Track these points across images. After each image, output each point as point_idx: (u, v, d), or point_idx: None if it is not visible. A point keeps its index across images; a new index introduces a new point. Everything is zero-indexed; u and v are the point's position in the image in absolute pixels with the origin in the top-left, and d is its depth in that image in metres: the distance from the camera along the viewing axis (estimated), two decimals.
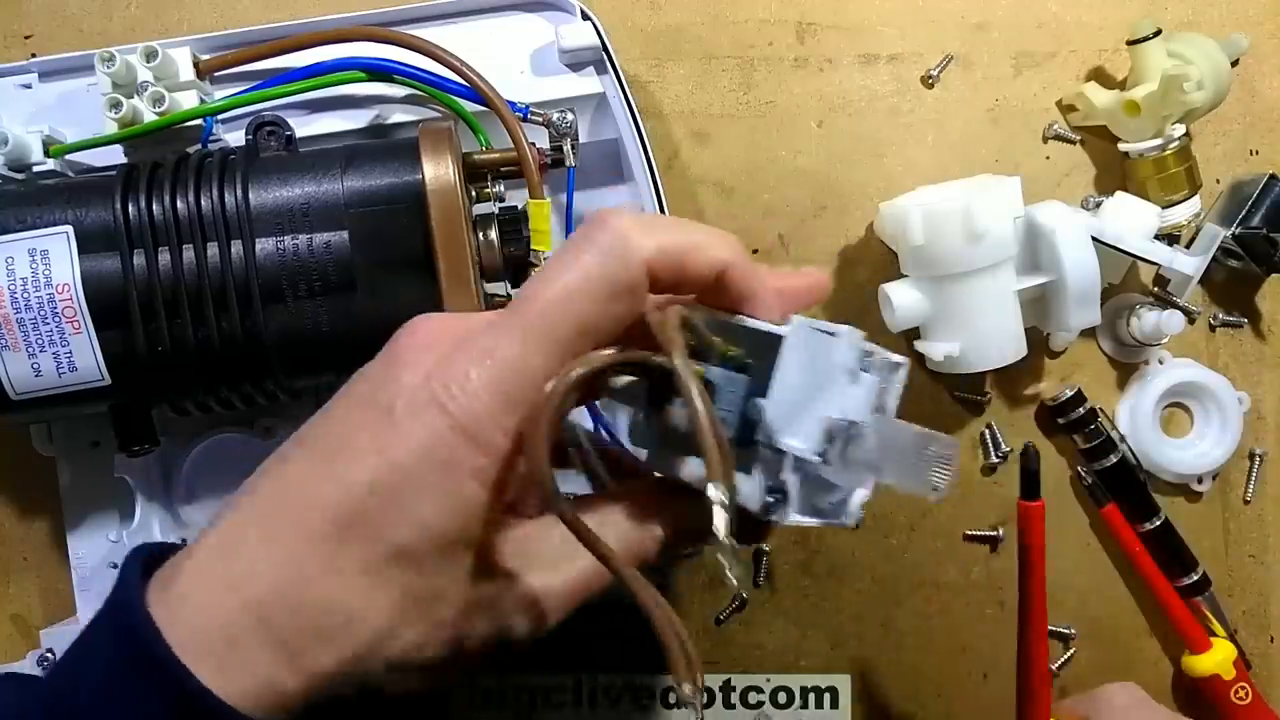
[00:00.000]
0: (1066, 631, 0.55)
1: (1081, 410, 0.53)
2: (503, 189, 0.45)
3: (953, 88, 0.56)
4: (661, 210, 0.47)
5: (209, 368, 0.41)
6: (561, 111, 0.45)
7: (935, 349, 0.50)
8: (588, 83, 0.48)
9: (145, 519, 0.49)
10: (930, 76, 0.55)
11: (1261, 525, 0.56)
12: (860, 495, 0.33)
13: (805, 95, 0.55)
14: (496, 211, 0.44)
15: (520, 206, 0.44)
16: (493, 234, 0.43)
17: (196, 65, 0.45)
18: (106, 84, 0.44)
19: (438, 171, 0.41)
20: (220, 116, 0.46)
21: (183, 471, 0.50)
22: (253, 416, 0.49)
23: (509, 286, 0.45)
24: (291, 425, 0.48)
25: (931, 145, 0.55)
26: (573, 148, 0.45)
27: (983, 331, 0.49)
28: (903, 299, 0.50)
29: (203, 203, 0.40)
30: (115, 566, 0.47)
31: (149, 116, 0.44)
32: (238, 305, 0.40)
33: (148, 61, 0.44)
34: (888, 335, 0.53)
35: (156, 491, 0.49)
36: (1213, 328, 0.56)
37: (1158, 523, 0.53)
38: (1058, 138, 0.56)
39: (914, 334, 0.52)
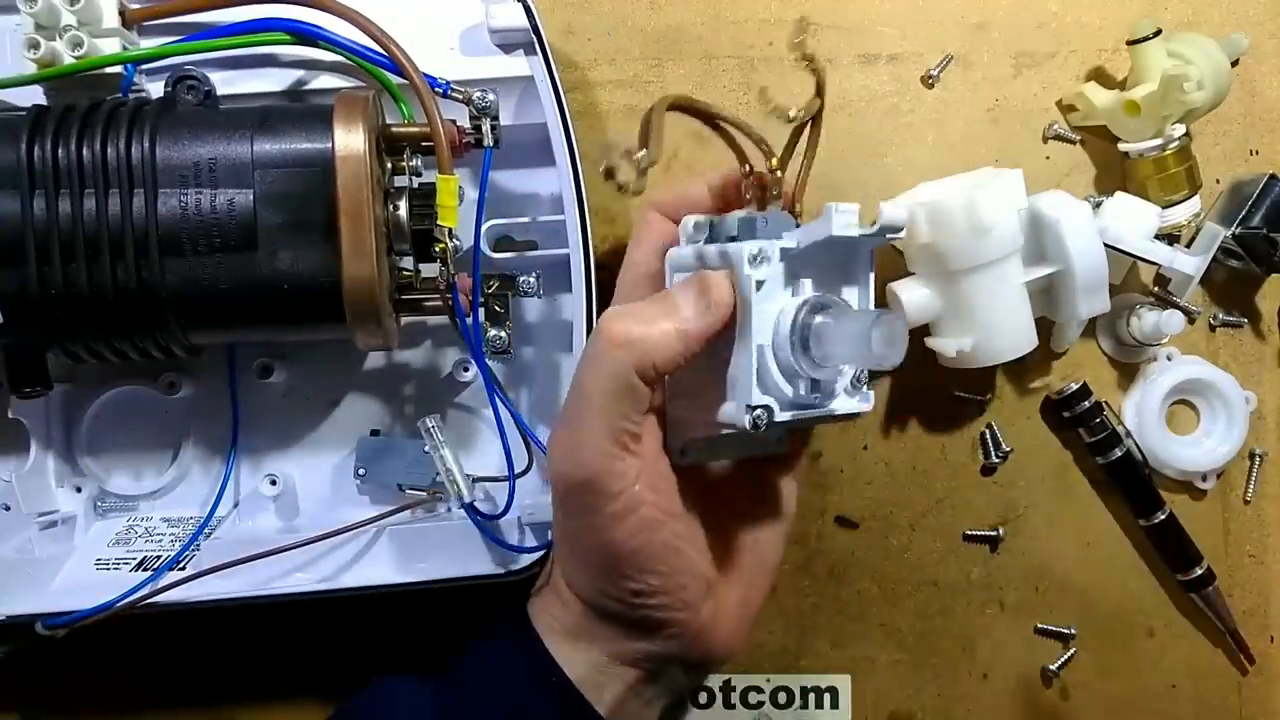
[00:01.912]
0: (1066, 632, 0.55)
1: (1087, 404, 0.53)
2: (419, 163, 0.45)
3: (953, 88, 0.56)
4: (579, 197, 0.46)
5: (102, 315, 0.41)
6: (483, 91, 0.44)
7: (947, 345, 0.50)
8: (518, 64, 0.47)
9: (40, 463, 0.49)
10: (930, 76, 0.55)
11: (1261, 525, 0.56)
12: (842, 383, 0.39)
13: (805, 95, 0.55)
14: (413, 185, 0.44)
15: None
16: (402, 207, 0.43)
17: (123, 13, 0.45)
18: (29, 24, 0.43)
19: (348, 140, 0.41)
20: (144, 67, 0.46)
21: (85, 421, 0.50)
22: (158, 371, 0.50)
23: (415, 261, 0.45)
24: (195, 382, 0.50)
25: (931, 145, 0.55)
26: (492, 128, 0.44)
27: (994, 325, 0.49)
28: (911, 297, 0.49)
29: (108, 150, 0.40)
30: (7, 509, 0.48)
31: (68, 59, 0.43)
32: (134, 256, 0.40)
33: (71, 4, 0.43)
34: None
35: (56, 437, 0.50)
36: (1213, 328, 0.56)
37: (1162, 517, 0.54)
38: (1058, 138, 0.56)
39: (924, 331, 0.52)
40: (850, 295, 0.40)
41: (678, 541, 0.39)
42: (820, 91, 0.39)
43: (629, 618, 0.39)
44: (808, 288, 0.38)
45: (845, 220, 0.37)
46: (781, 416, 0.37)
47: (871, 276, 0.40)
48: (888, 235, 0.37)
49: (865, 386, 0.39)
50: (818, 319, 0.37)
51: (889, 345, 0.35)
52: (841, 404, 0.39)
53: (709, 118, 0.40)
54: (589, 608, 0.40)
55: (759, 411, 0.37)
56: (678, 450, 0.40)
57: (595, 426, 0.37)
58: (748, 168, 0.40)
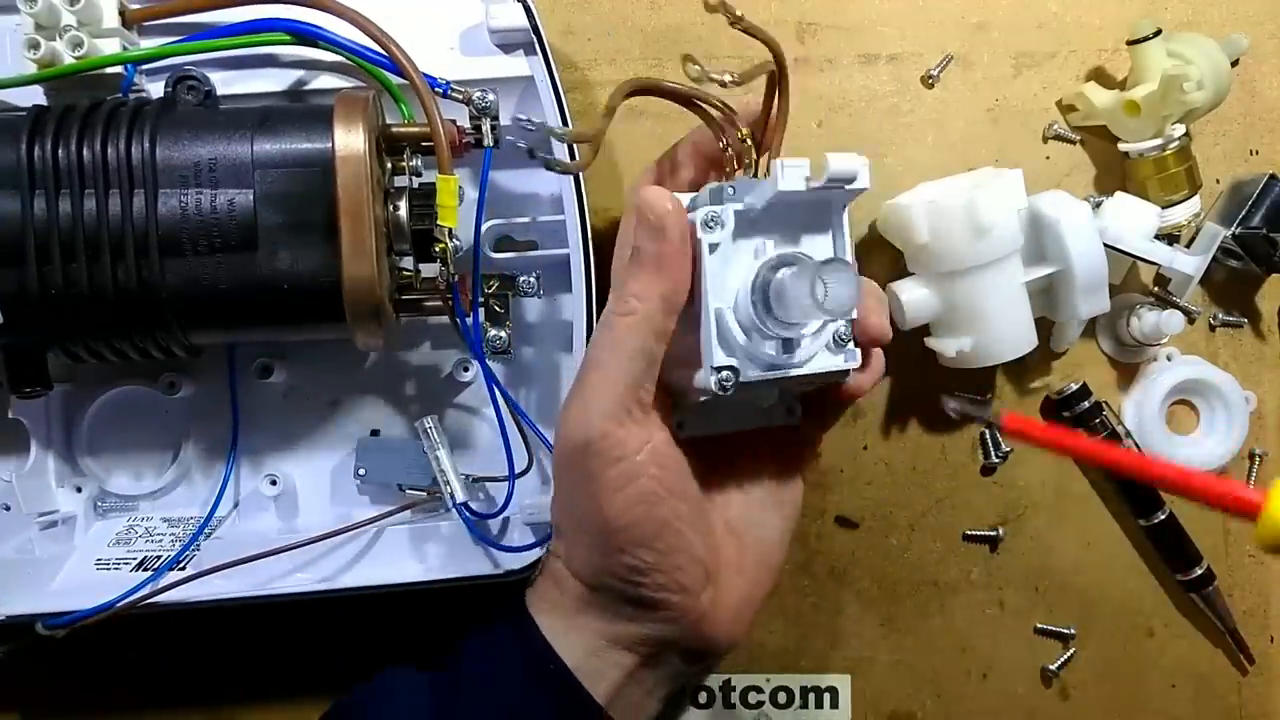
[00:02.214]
0: (1066, 632, 0.55)
1: (1087, 404, 0.53)
2: (419, 163, 0.45)
3: (953, 88, 0.56)
4: (579, 196, 0.46)
5: (102, 315, 0.41)
6: (483, 91, 0.44)
7: (947, 345, 0.50)
8: (517, 64, 0.47)
9: (40, 463, 0.49)
10: (930, 76, 0.55)
11: None
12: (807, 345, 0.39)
13: (805, 95, 0.55)
14: (413, 185, 0.44)
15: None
16: (402, 207, 0.43)
17: (123, 13, 0.45)
18: (29, 24, 0.43)
19: (348, 140, 0.41)
20: (144, 67, 0.46)
21: (85, 421, 0.50)
22: (158, 371, 0.50)
23: (415, 261, 0.45)
24: (195, 382, 0.50)
25: (931, 145, 0.55)
26: (492, 128, 0.44)
27: (994, 326, 0.49)
28: (911, 297, 0.50)
29: (108, 151, 0.40)
30: (7, 509, 0.48)
31: (68, 59, 0.43)
32: (135, 256, 0.40)
33: (71, 5, 0.43)
34: (898, 334, 0.53)
35: (56, 437, 0.50)
36: (1213, 328, 0.56)
37: (1162, 517, 0.54)
38: (1058, 138, 0.56)
39: (924, 331, 0.52)
40: (821, 250, 0.39)
41: (678, 522, 0.38)
42: (775, 55, 0.40)
43: (626, 596, 0.39)
44: (770, 248, 0.38)
45: (793, 175, 0.36)
46: (749, 377, 0.37)
47: (846, 231, 0.40)
48: (846, 188, 0.37)
49: (850, 343, 0.39)
50: (776, 275, 0.37)
51: (836, 292, 0.34)
52: (821, 362, 0.39)
53: (675, 96, 0.41)
54: (587, 588, 0.40)
55: (724, 374, 0.37)
56: (676, 422, 0.40)
57: (606, 390, 0.37)
58: (723, 141, 0.40)
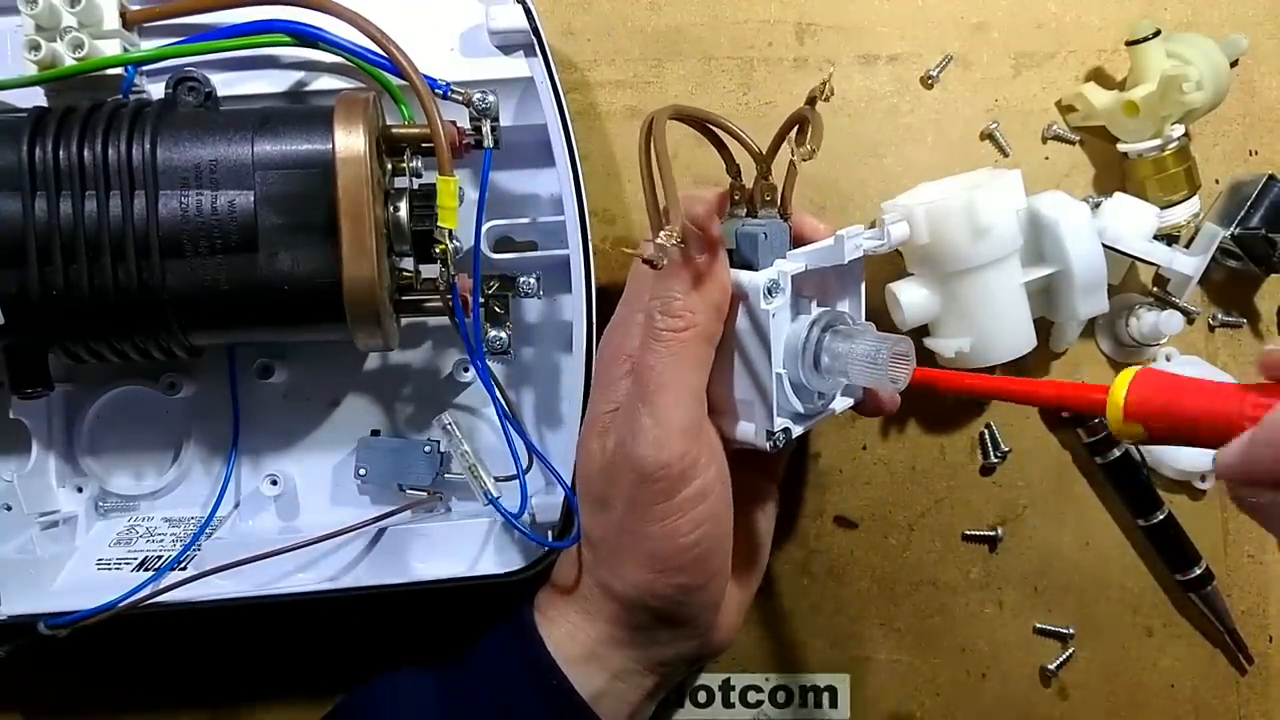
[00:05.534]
0: (1065, 631, 0.55)
1: None
2: (420, 164, 0.45)
3: (952, 88, 0.56)
4: (579, 197, 0.46)
5: (103, 316, 0.41)
6: (483, 92, 0.44)
7: (946, 346, 0.50)
8: (517, 65, 0.47)
9: (41, 463, 0.49)
10: (930, 77, 0.55)
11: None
12: (842, 402, 0.43)
13: (805, 96, 0.55)
14: (413, 186, 0.45)
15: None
16: (403, 208, 0.43)
17: (123, 14, 0.45)
18: (30, 25, 0.43)
19: (348, 141, 0.41)
20: (145, 69, 0.46)
21: (86, 421, 0.50)
22: (158, 371, 0.50)
23: (415, 262, 0.45)
24: (196, 382, 0.50)
25: (931, 145, 0.55)
26: (492, 129, 0.44)
27: (992, 326, 0.49)
28: (910, 297, 0.50)
29: (109, 152, 0.40)
30: (9, 509, 0.48)
31: (68, 61, 0.44)
32: (135, 257, 0.40)
33: (72, 6, 0.43)
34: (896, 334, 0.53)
35: (57, 438, 0.50)
36: (1212, 328, 0.56)
37: (1161, 517, 0.54)
38: (1057, 138, 0.56)
39: (923, 331, 0.52)
40: (843, 304, 0.42)
41: (728, 539, 0.39)
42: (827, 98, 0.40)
43: (665, 615, 0.39)
44: (812, 305, 0.40)
45: (855, 244, 0.39)
46: (796, 431, 0.40)
47: (863, 285, 0.44)
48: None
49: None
50: (828, 339, 0.39)
51: (901, 369, 0.38)
52: (841, 403, 0.43)
53: (700, 123, 0.41)
54: (625, 611, 0.39)
55: (778, 435, 0.39)
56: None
57: (680, 410, 0.37)
58: (735, 169, 0.41)
